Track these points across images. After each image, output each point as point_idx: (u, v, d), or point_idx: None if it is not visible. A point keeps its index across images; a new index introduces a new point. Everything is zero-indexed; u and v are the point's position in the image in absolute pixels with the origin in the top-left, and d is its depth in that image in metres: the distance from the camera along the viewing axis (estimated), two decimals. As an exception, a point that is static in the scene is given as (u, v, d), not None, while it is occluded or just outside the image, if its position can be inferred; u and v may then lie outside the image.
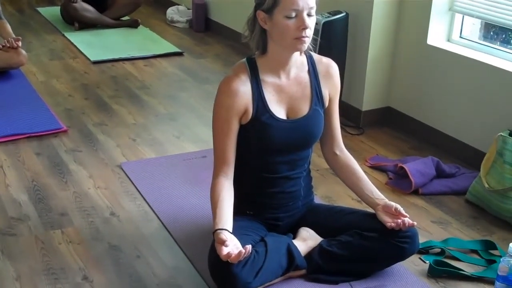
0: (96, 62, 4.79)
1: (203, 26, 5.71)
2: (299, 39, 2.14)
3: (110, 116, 3.81)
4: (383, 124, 3.73)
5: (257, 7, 2.20)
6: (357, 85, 3.71)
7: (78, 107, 3.94)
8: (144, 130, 3.64)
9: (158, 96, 4.18)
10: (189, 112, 3.90)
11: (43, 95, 4.10)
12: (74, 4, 5.50)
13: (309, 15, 2.13)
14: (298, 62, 2.30)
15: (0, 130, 3.53)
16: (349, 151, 2.48)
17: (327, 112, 2.38)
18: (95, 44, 5.22)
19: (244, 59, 2.30)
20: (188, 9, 5.96)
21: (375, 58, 3.62)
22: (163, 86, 4.37)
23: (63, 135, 3.54)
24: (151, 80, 4.46)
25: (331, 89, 2.36)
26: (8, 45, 4.37)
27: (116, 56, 4.89)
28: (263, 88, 2.24)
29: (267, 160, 2.30)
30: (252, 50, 2.28)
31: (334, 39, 3.53)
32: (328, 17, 3.51)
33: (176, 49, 5.11)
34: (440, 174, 3.05)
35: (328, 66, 2.36)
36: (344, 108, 3.42)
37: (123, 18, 5.86)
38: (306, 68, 2.31)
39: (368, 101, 3.70)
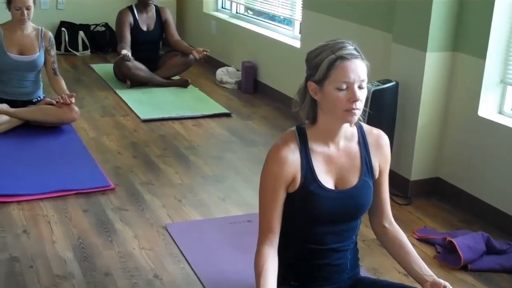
0: (146, 121, 4.87)
1: (252, 87, 5.78)
2: (350, 111, 2.13)
3: (157, 176, 3.84)
4: (431, 195, 3.67)
5: (308, 78, 2.21)
6: (405, 154, 3.67)
7: (126, 165, 4.00)
8: (190, 191, 3.65)
9: (205, 157, 4.21)
10: (235, 175, 3.91)
11: (93, 151, 4.17)
12: (127, 62, 5.63)
13: (360, 87, 2.13)
14: (348, 132, 2.28)
15: (50, 185, 3.59)
16: (396, 222, 2.44)
17: (377, 184, 2.35)
18: (145, 102, 5.32)
19: (294, 128, 2.30)
20: (238, 70, 6.05)
21: (424, 128, 3.59)
22: (210, 147, 4.41)
23: (111, 193, 3.58)
24: (199, 140, 4.51)
25: (381, 160, 2.33)
26: (62, 101, 4.49)
27: (166, 115, 4.97)
28: (312, 158, 2.23)
29: (314, 230, 2.27)
30: (302, 119, 2.28)
31: (384, 108, 3.53)
32: (378, 85, 3.52)
33: (224, 110, 5.17)
34: (490, 250, 2.97)
35: (379, 137, 2.34)
36: (392, 177, 3.36)
37: (174, 78, 5.98)
38: (356, 138, 2.30)
39: (417, 171, 3.65)
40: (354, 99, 2.11)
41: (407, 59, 3.62)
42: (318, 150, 2.24)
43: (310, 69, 2.19)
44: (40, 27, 4.65)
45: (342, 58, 2.10)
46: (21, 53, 4.53)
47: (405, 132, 3.66)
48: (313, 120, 2.24)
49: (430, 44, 3.47)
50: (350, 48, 2.13)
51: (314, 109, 2.22)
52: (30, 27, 4.59)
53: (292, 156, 2.20)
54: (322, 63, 2.13)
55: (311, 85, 2.18)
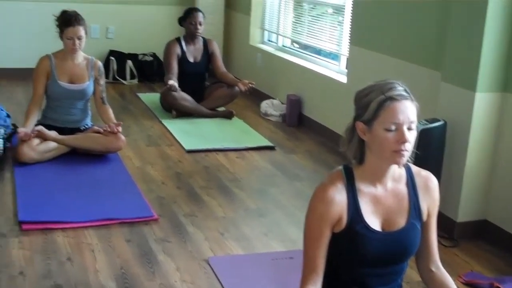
0: (190, 151, 4.90)
1: (296, 121, 5.79)
2: (398, 152, 2.11)
3: (200, 207, 3.85)
4: (478, 238, 3.59)
5: (357, 117, 2.19)
6: (452, 195, 3.61)
7: (170, 195, 4.02)
8: (232, 224, 3.65)
9: (248, 190, 4.21)
10: (278, 209, 3.90)
11: (137, 180, 4.21)
12: (173, 92, 5.70)
13: (409, 128, 2.11)
14: (396, 173, 2.26)
15: (95, 213, 3.63)
16: (442, 264, 2.39)
17: (424, 227, 2.31)
18: (190, 133, 5.36)
19: (341, 167, 2.28)
20: (282, 103, 6.06)
21: (472, 169, 3.53)
22: (253, 180, 4.41)
23: (154, 223, 3.60)
24: (242, 173, 4.51)
25: (430, 203, 2.30)
26: (109, 129, 4.55)
27: (210, 146, 5.00)
28: (358, 198, 2.21)
29: (359, 272, 2.23)
30: (350, 159, 2.27)
31: (431, 147, 3.48)
32: (426, 124, 3.48)
33: (268, 143, 5.17)
34: (540, 297, 2.88)
35: (427, 179, 2.31)
36: (438, 217, 3.31)
37: (219, 109, 6.02)
38: (404, 180, 2.27)
39: (464, 213, 3.59)
40: (403, 140, 2.09)
41: (456, 98, 3.58)
42: (365, 191, 2.22)
43: (358, 109, 2.18)
44: (90, 57, 4.75)
45: (392, 99, 2.09)
46: (71, 82, 4.62)
47: (452, 172, 3.60)
48: (361, 160, 2.22)
49: (479, 85, 3.43)
50: (400, 89, 2.11)
51: (362, 149, 2.21)
52: (81, 56, 4.69)
53: (339, 196, 2.18)
54: (371, 103, 2.12)
55: (360, 125, 2.17)
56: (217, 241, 3.42)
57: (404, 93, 2.11)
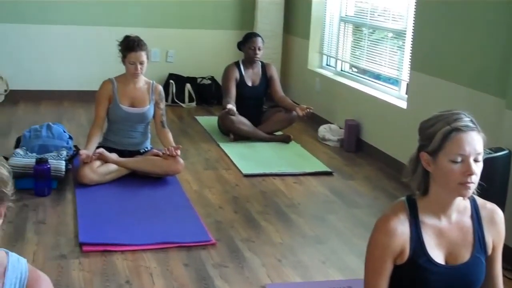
0: (247, 175, 4.90)
1: (354, 146, 5.73)
2: (464, 185, 2.07)
3: (257, 233, 3.84)
4: (545, 271, 3.47)
5: (421, 148, 2.16)
6: (517, 226, 3.50)
7: (227, 220, 4.02)
8: (290, 251, 3.62)
9: (306, 216, 4.18)
10: (337, 236, 3.85)
11: (195, 204, 4.24)
12: (231, 116, 5.74)
13: (475, 160, 2.07)
14: (461, 206, 2.21)
15: (153, 236, 3.66)
16: (508, 300, 2.33)
17: (489, 261, 2.25)
18: (247, 157, 5.37)
19: (404, 198, 2.24)
20: (340, 128, 6.02)
21: (538, 200, 3.43)
22: (311, 206, 4.38)
23: (212, 247, 3.60)
24: (300, 199, 4.49)
25: (495, 237, 2.24)
26: (168, 153, 4.60)
27: (267, 171, 4.99)
28: (422, 230, 2.16)
29: (421, 305, 2.18)
30: (413, 190, 2.23)
31: (495, 177, 3.39)
32: (489, 153, 3.39)
33: (326, 169, 5.13)
34: None
35: (493, 212, 2.25)
36: (503, 250, 3.22)
37: (276, 133, 6.02)
38: (469, 212, 2.22)
39: (529, 245, 3.47)
40: (469, 172, 2.05)
41: (521, 127, 3.49)
42: (429, 223, 2.17)
43: (423, 140, 2.15)
44: (151, 81, 4.83)
45: (458, 130, 2.05)
46: (132, 105, 4.71)
47: (517, 202, 3.50)
48: (425, 191, 2.18)
49: (547, 113, 3.34)
50: (466, 119, 2.07)
51: (426, 180, 2.17)
52: (142, 80, 4.77)
53: (402, 228, 2.15)
54: (436, 134, 2.08)
55: (424, 156, 2.13)
56: (274, 268, 3.40)
57: (470, 124, 2.07)
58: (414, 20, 5.00)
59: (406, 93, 5.25)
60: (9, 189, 1.63)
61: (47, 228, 3.77)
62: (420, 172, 2.17)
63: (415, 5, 4.98)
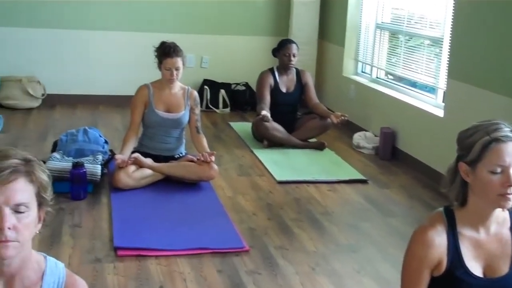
0: (281, 182, 4.89)
1: (389, 154, 5.68)
2: (504, 196, 2.03)
3: (291, 240, 3.83)
4: None
5: (459, 158, 2.12)
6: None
7: (261, 227, 4.02)
8: (323, 259, 3.60)
9: (340, 224, 4.15)
10: (371, 245, 3.82)
11: (229, 210, 4.24)
12: (265, 123, 5.73)
13: (515, 175, 2.03)
14: (500, 217, 2.17)
15: (187, 242, 3.67)
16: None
17: (529, 274, 2.20)
18: (281, 164, 5.36)
19: (441, 209, 2.21)
20: (375, 136, 5.97)
21: None
22: (345, 214, 4.35)
23: (245, 254, 3.60)
24: (334, 206, 4.46)
25: (535, 249, 2.19)
26: (203, 159, 4.61)
27: (301, 178, 4.97)
28: (460, 242, 2.13)
29: (458, 318, 2.15)
30: (451, 201, 2.20)
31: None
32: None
33: (361, 176, 5.09)
34: None
35: (533, 224, 2.20)
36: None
37: (310, 140, 6.00)
38: (508, 224, 2.18)
39: None
40: (509, 183, 2.01)
41: (562, 137, 3.41)
42: (467, 234, 2.14)
43: (461, 150, 2.12)
44: (187, 87, 4.86)
45: (497, 140, 2.01)
46: (167, 111, 4.73)
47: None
48: (463, 202, 2.15)
49: None
50: (506, 130, 2.04)
51: (465, 191, 2.13)
52: (178, 86, 4.80)
53: (439, 239, 2.12)
54: (475, 144, 2.05)
55: (463, 166, 2.10)
56: (307, 276, 3.38)
57: (510, 134, 2.03)
58: (451, 28, 4.94)
59: (443, 101, 5.19)
60: (49, 194, 1.65)
61: (82, 231, 3.81)
62: (458, 183, 2.14)
63: (452, 12, 4.92)
